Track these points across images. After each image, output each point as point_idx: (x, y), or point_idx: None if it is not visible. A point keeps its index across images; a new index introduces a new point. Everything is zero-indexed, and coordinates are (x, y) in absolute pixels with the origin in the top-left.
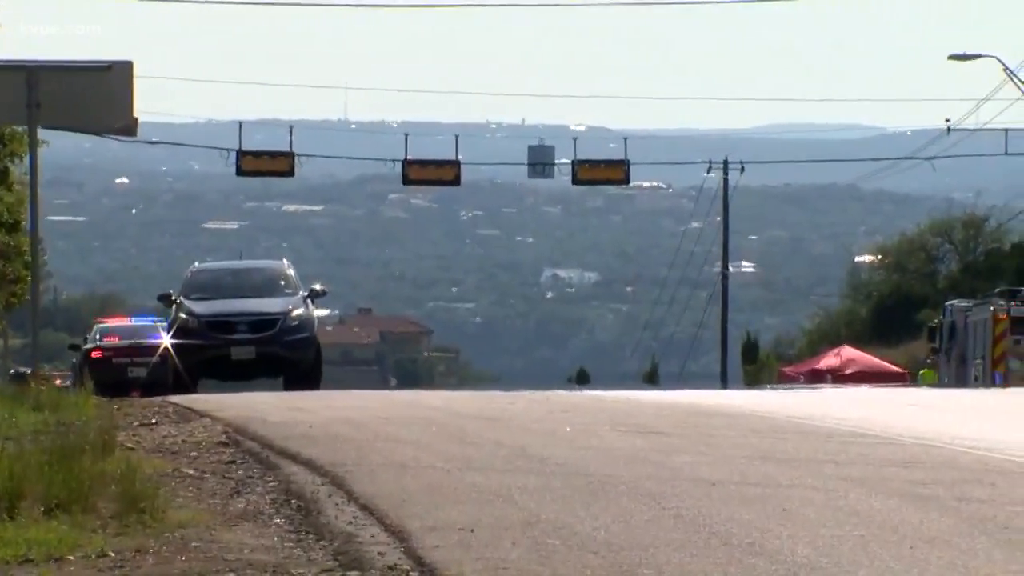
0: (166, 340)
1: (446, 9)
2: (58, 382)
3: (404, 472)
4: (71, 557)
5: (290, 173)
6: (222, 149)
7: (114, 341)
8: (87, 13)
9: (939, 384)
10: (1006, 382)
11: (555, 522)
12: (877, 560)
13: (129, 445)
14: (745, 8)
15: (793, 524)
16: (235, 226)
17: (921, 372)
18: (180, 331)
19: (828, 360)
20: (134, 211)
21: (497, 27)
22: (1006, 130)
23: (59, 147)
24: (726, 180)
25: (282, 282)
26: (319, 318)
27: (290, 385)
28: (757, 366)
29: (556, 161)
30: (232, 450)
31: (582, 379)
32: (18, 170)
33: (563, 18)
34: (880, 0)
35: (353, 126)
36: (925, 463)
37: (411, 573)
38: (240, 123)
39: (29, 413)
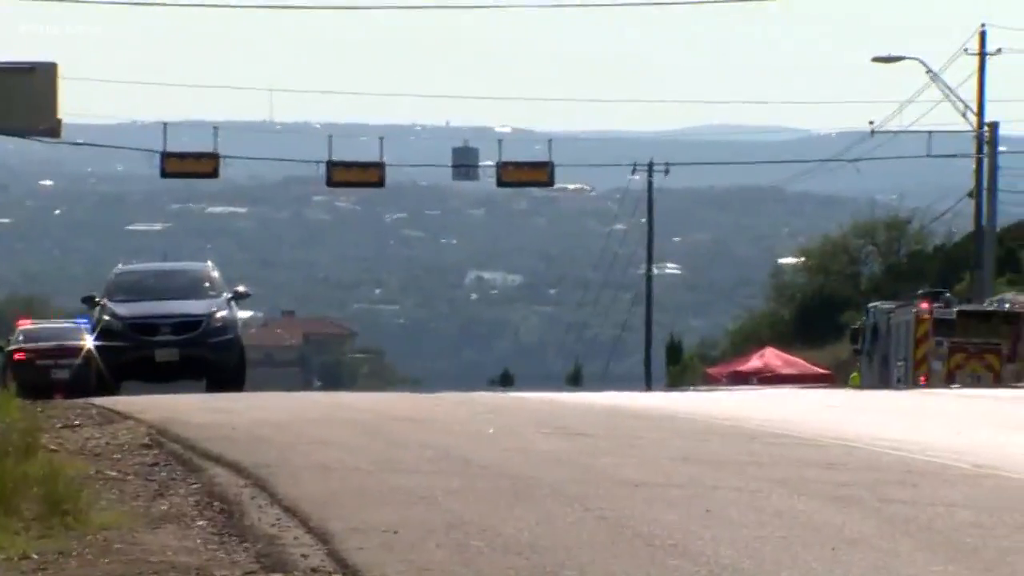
0: (89, 342)
1: (370, 12)
2: None
3: (328, 474)
4: None
5: (214, 175)
6: (147, 151)
7: (37, 343)
8: (10, 13)
9: (861, 386)
10: (927, 383)
11: (479, 524)
12: (800, 561)
13: (52, 447)
14: (668, 10)
15: (716, 525)
16: (160, 228)
17: (852, 375)
18: (103, 333)
19: (752, 362)
20: (58, 212)
21: (421, 29)
22: (929, 132)
23: None
24: (651, 182)
25: (206, 284)
26: (243, 320)
27: (213, 387)
28: (681, 368)
29: (480, 163)
30: (155, 452)
31: (506, 381)
32: None
33: (486, 20)
34: (804, 2)
35: (278, 127)
36: (847, 464)
37: (334, 574)
38: (165, 124)
39: None
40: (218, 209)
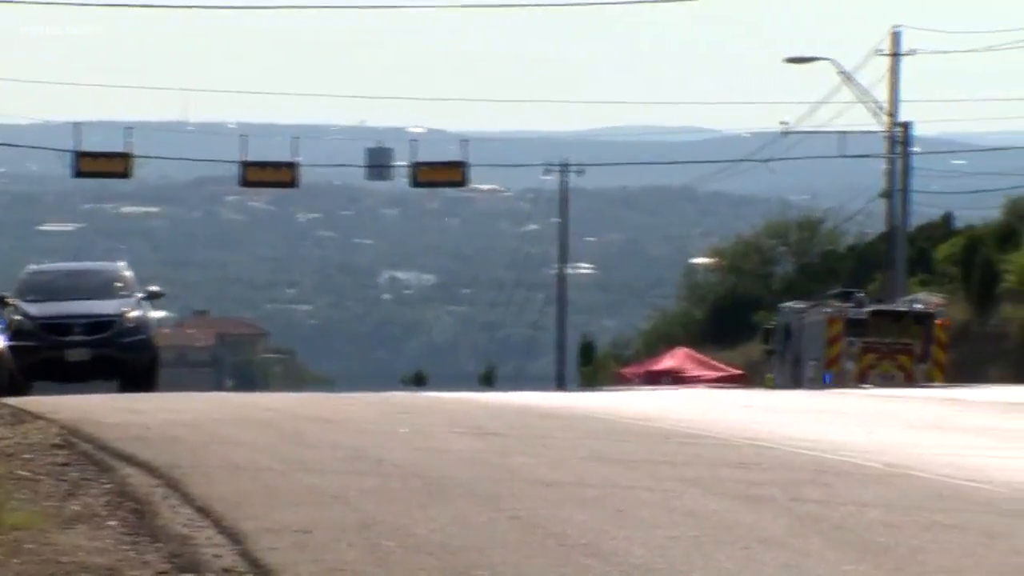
0: (1, 342)
1: (282, 11)
2: None
3: (240, 474)
4: None
5: (127, 175)
6: (59, 151)
7: None
8: None
9: (774, 385)
10: (838, 383)
11: (391, 524)
12: (712, 561)
13: None
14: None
15: (629, 525)
16: (72, 228)
17: (768, 376)
18: (15, 333)
19: (664, 362)
20: None
21: (334, 28)
22: (842, 132)
23: None
24: (564, 182)
25: (119, 284)
26: (156, 320)
27: (126, 387)
28: (594, 367)
29: (394, 163)
30: (67, 452)
31: (419, 381)
32: None
33: (399, 20)
34: (716, 2)
35: (191, 127)
36: (760, 464)
37: (246, 574)
38: (77, 124)
39: None
40: (131, 209)
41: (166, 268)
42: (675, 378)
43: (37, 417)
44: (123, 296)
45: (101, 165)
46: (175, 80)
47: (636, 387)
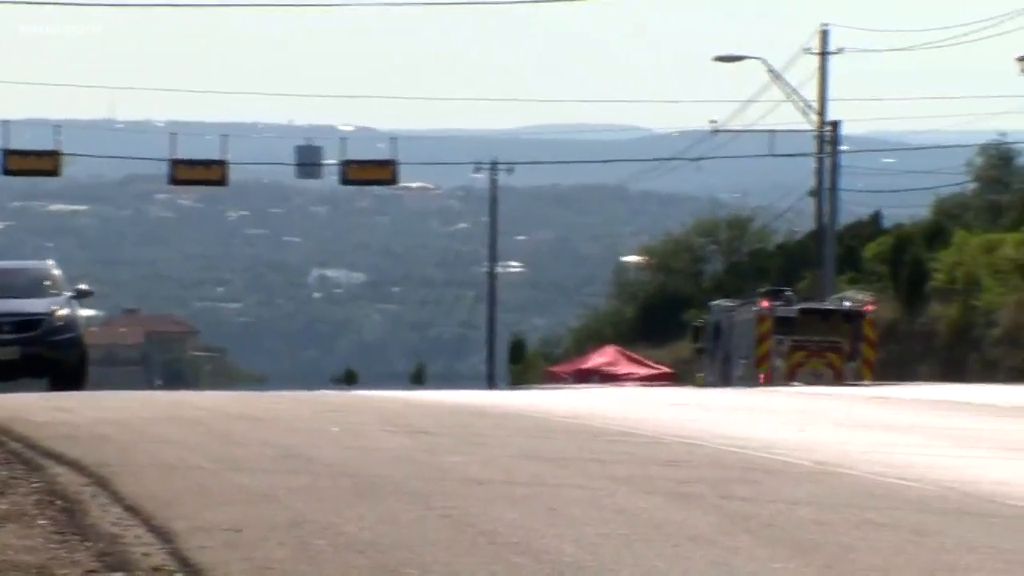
0: None
1: (211, 9)
2: None
3: (170, 473)
4: None
5: (56, 173)
6: None
7: None
8: None
9: (704, 383)
10: (768, 381)
11: (322, 522)
12: (641, 559)
13: None
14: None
15: (559, 523)
16: (0, 226)
17: (698, 375)
18: None
19: (595, 360)
20: None
21: (261, 26)
22: (771, 131)
23: None
24: (494, 180)
25: (47, 282)
26: (85, 318)
27: (55, 385)
28: (524, 366)
29: (324, 161)
30: None
31: (349, 379)
32: None
33: (327, 18)
34: (647, 1)
35: (120, 125)
36: (690, 462)
37: (176, 574)
38: (5, 122)
39: None
40: (59, 207)
41: (95, 266)
42: (605, 376)
43: None
44: (52, 295)
45: (30, 163)
46: (103, 78)
47: (566, 385)
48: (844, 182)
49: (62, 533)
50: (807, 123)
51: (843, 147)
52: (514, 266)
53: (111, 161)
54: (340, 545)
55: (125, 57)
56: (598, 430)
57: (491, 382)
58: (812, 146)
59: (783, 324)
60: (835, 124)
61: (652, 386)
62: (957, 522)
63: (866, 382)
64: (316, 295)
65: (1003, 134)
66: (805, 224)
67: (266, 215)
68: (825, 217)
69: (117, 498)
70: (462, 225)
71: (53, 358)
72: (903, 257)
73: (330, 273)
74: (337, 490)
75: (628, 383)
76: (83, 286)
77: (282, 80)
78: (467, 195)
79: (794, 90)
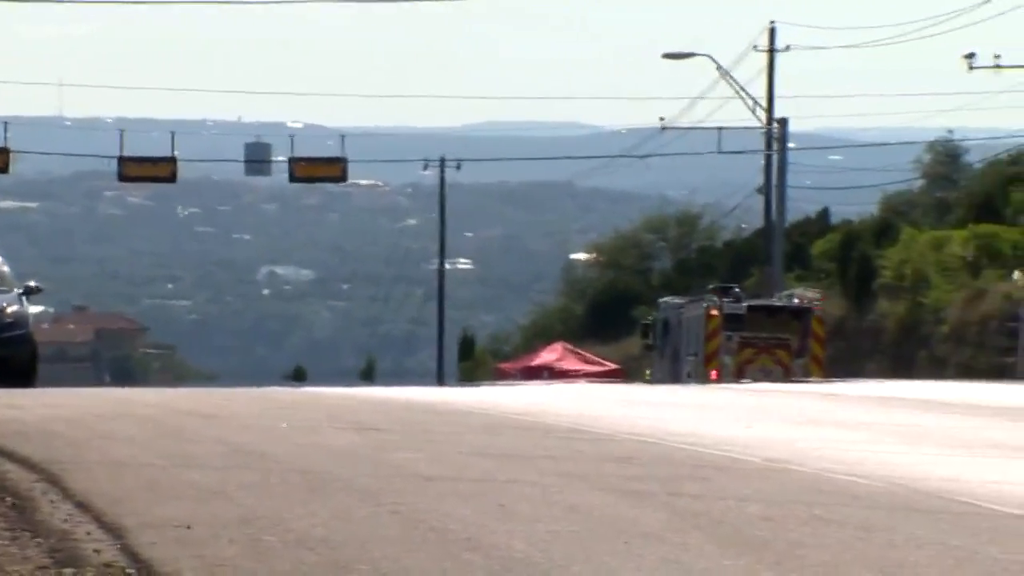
0: None
1: (159, 5)
2: None
3: (121, 469)
4: None
5: (5, 170)
6: None
7: None
8: None
9: (652, 380)
10: (717, 378)
11: (272, 519)
12: (592, 555)
13: None
14: (459, 5)
15: (509, 519)
16: None
17: (647, 372)
18: None
19: (544, 356)
20: None
21: (210, 24)
22: (720, 128)
23: None
24: (442, 178)
25: None
26: (34, 315)
27: (4, 383)
28: (473, 363)
29: (273, 158)
30: None
31: (299, 376)
32: None
33: (276, 15)
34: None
35: (68, 123)
36: (640, 459)
37: (127, 570)
38: None
39: None
40: (7, 204)
41: (44, 263)
42: (554, 373)
43: None
44: (1, 292)
45: None
46: (50, 75)
47: (515, 382)
48: (792, 179)
49: (12, 530)
50: (755, 120)
51: (791, 144)
52: (463, 263)
53: (60, 158)
54: (290, 542)
55: (73, 54)
56: (548, 427)
57: (441, 379)
58: (760, 143)
59: (732, 321)
60: (783, 121)
61: (601, 383)
62: (905, 519)
63: (815, 379)
64: (265, 292)
65: (950, 131)
66: (753, 221)
67: (215, 212)
68: (773, 214)
69: (68, 495)
70: (411, 222)
71: (3, 355)
72: (851, 254)
73: (279, 270)
74: (287, 486)
75: (577, 380)
76: (32, 283)
77: (231, 77)
78: (416, 192)
79: (742, 87)
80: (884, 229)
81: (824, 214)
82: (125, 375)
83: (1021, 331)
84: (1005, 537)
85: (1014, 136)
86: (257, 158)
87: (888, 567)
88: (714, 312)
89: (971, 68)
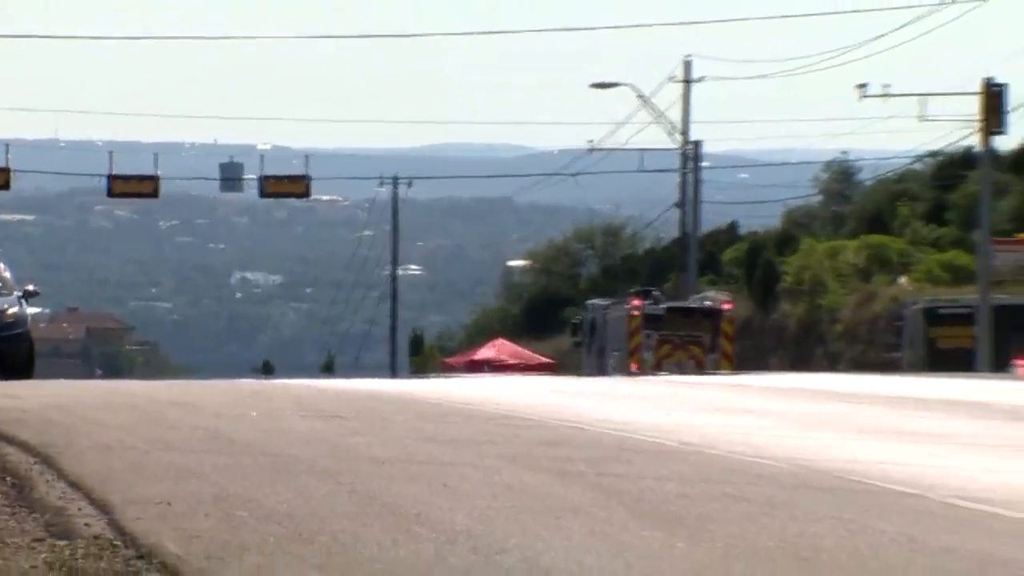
0: None
1: (142, 41)
2: None
3: (109, 452)
4: None
5: (6, 187)
6: None
7: None
8: None
9: (581, 373)
10: (639, 371)
11: (243, 496)
12: (527, 529)
13: None
14: (410, 41)
15: (453, 497)
16: None
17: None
18: None
19: (485, 352)
20: None
21: (190, 55)
22: (641, 150)
23: None
24: (395, 194)
25: None
26: (32, 316)
27: (5, 376)
28: (422, 358)
29: (244, 176)
30: None
31: (267, 370)
32: None
33: (248, 47)
34: (528, 35)
35: (63, 145)
36: (571, 443)
37: (114, 542)
38: None
39: None
40: (7, 217)
41: (41, 270)
42: (494, 367)
43: None
44: (3, 295)
45: None
46: (48, 101)
47: (460, 375)
48: (705, 195)
49: (12, 506)
50: (672, 142)
51: (704, 164)
52: (414, 269)
53: (55, 176)
54: (259, 516)
55: (68, 82)
56: (489, 415)
57: (393, 372)
58: (677, 163)
59: (651, 321)
60: (697, 143)
61: (535, 375)
62: (805, 496)
63: (725, 372)
64: (238, 295)
65: (845, 152)
66: (670, 232)
67: (193, 224)
68: (688, 226)
69: (61, 475)
70: (367, 233)
71: (4, 352)
72: (757, 261)
73: (250, 276)
74: (257, 468)
75: (514, 373)
76: (30, 287)
77: (208, 104)
78: (372, 207)
79: (661, 113)
80: (786, 239)
81: (733, 226)
82: (113, 369)
83: (906, 329)
84: (892, 512)
85: (900, 157)
86: (230, 176)
87: (789, 539)
88: (635, 313)
89: (863, 96)
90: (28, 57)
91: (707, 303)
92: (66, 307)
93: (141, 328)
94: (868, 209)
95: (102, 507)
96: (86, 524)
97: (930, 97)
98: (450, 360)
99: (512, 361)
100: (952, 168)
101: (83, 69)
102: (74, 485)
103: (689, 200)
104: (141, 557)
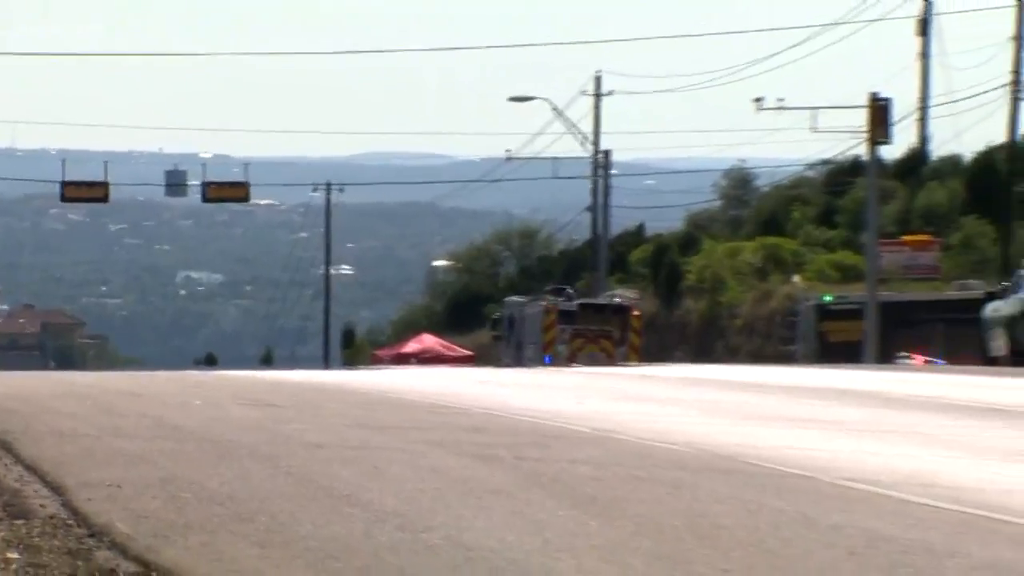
0: None
1: (92, 57)
2: None
3: (63, 439)
4: None
5: None
6: None
7: None
8: None
9: (501, 365)
10: (554, 363)
11: (188, 479)
12: (451, 508)
13: None
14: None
15: (383, 480)
16: None
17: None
18: None
19: (412, 345)
20: None
21: (137, 70)
22: (555, 158)
23: None
24: (328, 199)
25: None
26: None
27: None
28: (354, 350)
29: (188, 183)
30: None
31: (210, 362)
32: None
33: (192, 63)
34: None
35: (20, 153)
36: (490, 429)
37: (68, 521)
38: None
39: None
40: None
41: None
42: (420, 359)
43: None
44: None
45: None
46: (5, 113)
47: (388, 367)
48: (614, 200)
49: None
50: (584, 151)
51: (613, 171)
52: (345, 269)
53: (12, 183)
54: (204, 498)
55: (24, 95)
56: (415, 403)
57: (327, 364)
58: (588, 170)
59: (565, 316)
60: (607, 152)
61: (458, 367)
62: (707, 478)
63: (633, 363)
64: (182, 293)
65: (743, 160)
66: (582, 234)
67: (141, 227)
68: (599, 228)
69: (19, 459)
70: (303, 235)
71: None
72: (662, 261)
73: (194, 275)
74: (200, 453)
75: (438, 365)
76: None
77: (154, 115)
78: (307, 211)
79: (574, 125)
80: (689, 241)
81: (640, 228)
82: (66, 361)
83: (799, 324)
84: (787, 492)
85: (793, 165)
86: (175, 182)
87: (693, 517)
88: (551, 309)
89: (759, 109)
90: None
91: (617, 300)
92: (23, 303)
93: (92, 323)
94: (764, 213)
95: (57, 489)
96: (42, 505)
97: (821, 110)
98: (379, 353)
99: (436, 354)
100: (841, 175)
101: (38, 83)
102: (31, 469)
103: (600, 205)
104: (93, 536)
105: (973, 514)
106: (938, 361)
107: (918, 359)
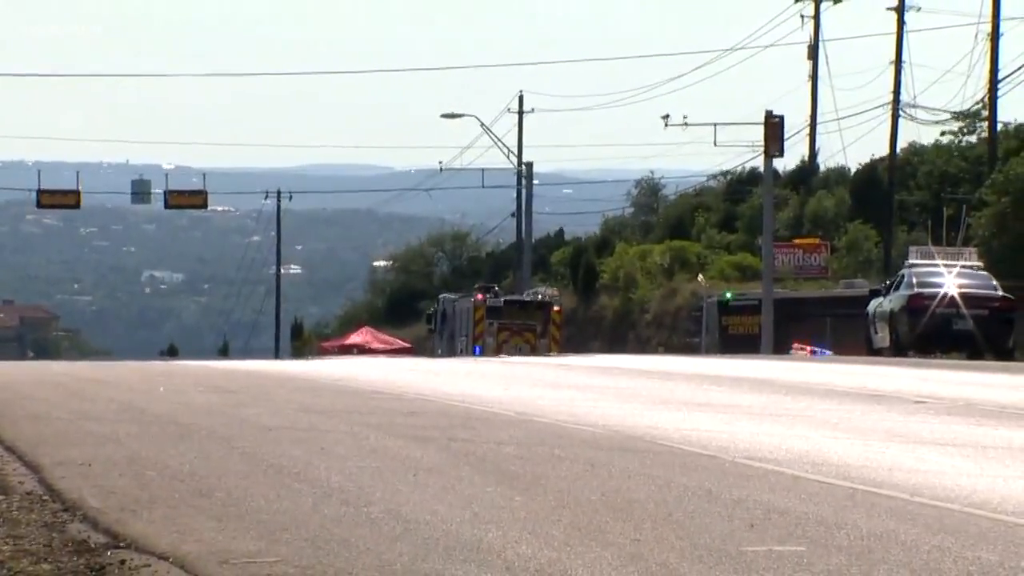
0: None
1: (68, 78)
2: None
3: (39, 422)
4: None
5: None
6: None
7: None
8: None
9: (435, 355)
10: (483, 354)
11: (152, 459)
12: (390, 485)
13: None
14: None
15: (329, 459)
16: None
17: (438, 351)
18: None
19: (354, 337)
20: None
21: (107, 88)
22: (483, 169)
23: None
24: (279, 205)
25: None
26: None
27: None
28: (302, 342)
29: (152, 191)
30: None
31: (172, 352)
32: None
33: (154, 82)
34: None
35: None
36: (425, 413)
37: (44, 497)
38: None
39: None
40: None
41: None
42: (361, 350)
43: None
44: None
45: None
46: None
47: (333, 357)
48: (536, 207)
49: None
50: (509, 163)
51: (535, 181)
52: (294, 269)
53: None
54: (166, 475)
55: (1, 112)
56: (357, 389)
57: (277, 354)
58: (513, 180)
59: (492, 311)
60: (529, 164)
61: (396, 357)
62: (621, 457)
63: (553, 354)
64: (147, 290)
65: (652, 172)
66: (508, 238)
67: (109, 231)
68: (523, 233)
69: None
70: (256, 238)
71: None
72: (580, 262)
73: (157, 274)
74: (164, 434)
75: (378, 355)
76: None
77: (121, 130)
78: (259, 216)
79: (499, 139)
80: (604, 244)
81: (560, 233)
82: (43, 352)
83: (703, 319)
84: (692, 470)
85: (697, 176)
86: (140, 191)
87: (607, 492)
88: (479, 305)
89: (667, 125)
90: None
91: (539, 297)
92: (2, 299)
93: (66, 318)
94: (671, 219)
95: (33, 467)
96: (19, 482)
97: (722, 126)
98: (325, 344)
99: (377, 345)
100: (740, 184)
101: (15, 100)
102: (9, 449)
103: (523, 211)
104: (67, 510)
105: (860, 489)
106: (822, 351)
107: (807, 349)
